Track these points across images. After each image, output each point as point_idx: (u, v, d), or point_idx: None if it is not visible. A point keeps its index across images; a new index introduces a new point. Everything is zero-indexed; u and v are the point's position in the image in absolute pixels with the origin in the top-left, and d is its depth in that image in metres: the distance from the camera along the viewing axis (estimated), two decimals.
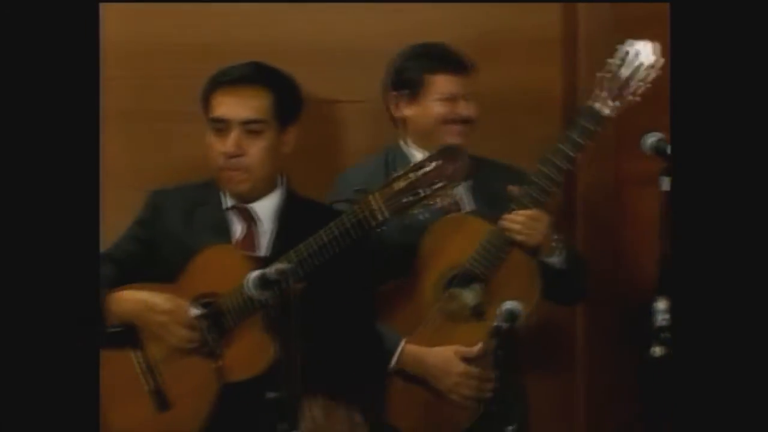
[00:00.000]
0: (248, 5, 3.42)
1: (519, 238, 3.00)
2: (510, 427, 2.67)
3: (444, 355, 3.02)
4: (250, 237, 2.97)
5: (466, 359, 3.01)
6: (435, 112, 3.13)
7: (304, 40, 3.43)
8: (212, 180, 3.03)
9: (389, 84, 3.20)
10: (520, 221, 3.00)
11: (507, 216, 3.01)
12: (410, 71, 3.16)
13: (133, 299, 2.86)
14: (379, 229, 2.80)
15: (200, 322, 2.84)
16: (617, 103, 3.00)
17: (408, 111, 3.17)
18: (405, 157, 3.13)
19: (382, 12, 3.45)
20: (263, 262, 2.75)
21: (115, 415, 2.91)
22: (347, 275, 2.87)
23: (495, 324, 2.65)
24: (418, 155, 3.06)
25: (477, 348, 2.99)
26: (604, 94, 2.98)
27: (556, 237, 3.05)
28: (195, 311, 2.84)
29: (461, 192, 3.13)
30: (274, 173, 2.99)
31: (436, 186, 2.72)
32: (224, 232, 2.97)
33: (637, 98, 3.01)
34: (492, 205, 3.09)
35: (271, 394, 2.49)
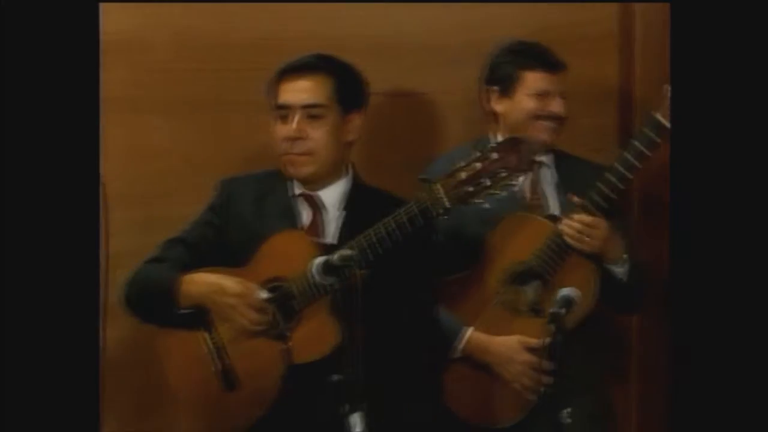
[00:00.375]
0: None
1: (574, 243, 3.07)
2: (566, 411, 2.75)
3: (509, 344, 3.10)
4: (317, 224, 3.05)
5: (530, 349, 3.08)
6: (526, 107, 3.21)
7: (377, 34, 3.55)
8: (280, 169, 3.10)
9: (483, 78, 3.28)
10: (576, 227, 3.07)
11: (566, 221, 3.08)
12: (504, 67, 3.24)
13: (204, 282, 2.94)
14: (442, 218, 2.85)
15: (269, 306, 2.90)
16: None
17: (499, 106, 3.25)
18: None
19: (449, 7, 3.55)
20: (330, 249, 2.84)
21: (184, 395, 3.00)
22: (411, 263, 2.94)
23: (551, 310, 2.73)
24: None
25: (540, 340, 3.02)
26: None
27: (624, 245, 3.10)
28: (264, 295, 2.90)
29: (526, 183, 3.21)
30: (338, 160, 3.06)
31: (500, 176, 2.78)
32: (291, 219, 3.05)
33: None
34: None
35: (334, 377, 2.58)
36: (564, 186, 3.23)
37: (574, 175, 3.24)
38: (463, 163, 2.81)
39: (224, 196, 3.11)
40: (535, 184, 3.26)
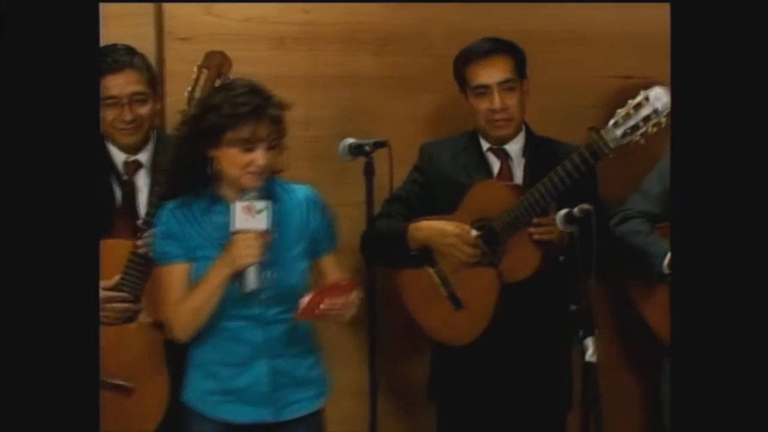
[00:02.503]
0: None
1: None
2: (573, 307, 3.15)
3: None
4: (506, 171, 3.73)
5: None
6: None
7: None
8: (469, 131, 3.79)
9: None
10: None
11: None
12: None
13: (428, 227, 3.66)
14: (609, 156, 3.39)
15: (480, 241, 3.60)
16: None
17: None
18: None
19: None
20: (520, 189, 3.53)
21: (422, 318, 3.76)
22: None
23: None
24: None
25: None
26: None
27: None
28: (475, 233, 3.60)
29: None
30: (522, 119, 3.72)
31: (651, 121, 3.29)
32: (486, 169, 3.74)
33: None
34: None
35: (572, 307, 3.14)
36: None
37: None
38: (623, 111, 3.32)
39: (426, 157, 3.82)
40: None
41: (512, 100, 3.68)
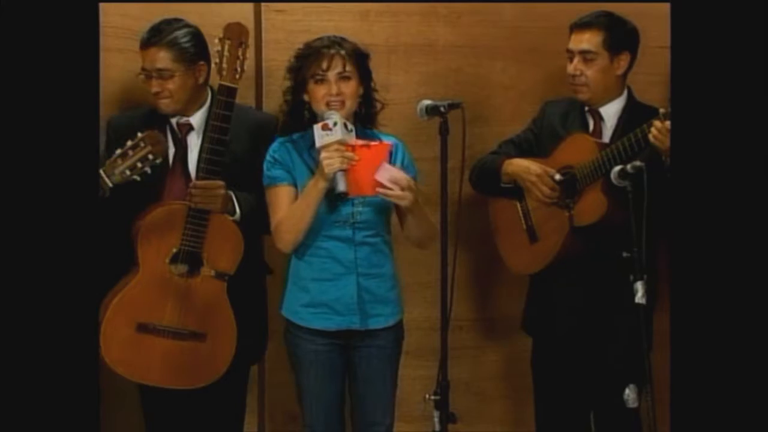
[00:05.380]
0: None
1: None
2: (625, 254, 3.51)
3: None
4: (598, 129, 4.14)
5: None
6: None
7: None
8: None
9: None
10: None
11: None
12: None
13: (518, 164, 4.16)
14: None
15: (560, 184, 4.04)
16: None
17: None
18: None
19: None
20: (604, 146, 3.94)
21: (502, 244, 4.27)
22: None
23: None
24: None
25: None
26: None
27: None
28: (557, 176, 4.06)
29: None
30: (611, 87, 4.10)
31: None
32: (583, 126, 4.16)
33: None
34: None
35: (624, 254, 3.57)
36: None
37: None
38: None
39: (543, 112, 4.28)
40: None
41: (589, 70, 4.07)
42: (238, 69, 3.75)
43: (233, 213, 3.83)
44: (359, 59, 3.82)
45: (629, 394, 3.57)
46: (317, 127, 3.69)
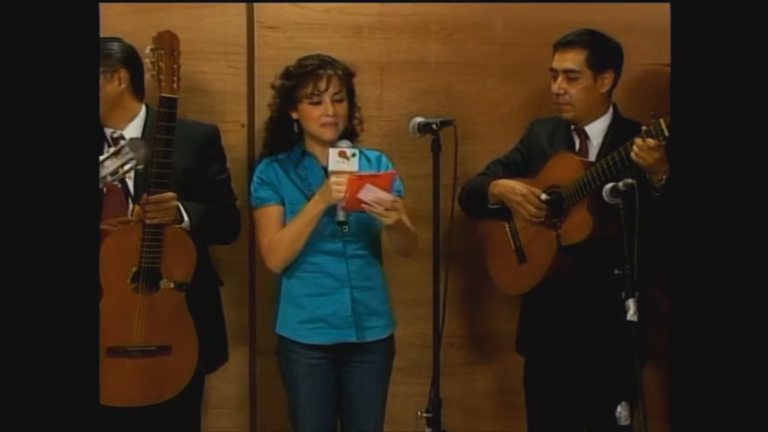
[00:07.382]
0: None
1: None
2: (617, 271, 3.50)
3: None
4: (584, 148, 4.14)
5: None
6: None
7: None
8: None
9: None
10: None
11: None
12: None
13: (503, 185, 4.15)
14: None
15: (547, 204, 4.04)
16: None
17: None
18: None
19: None
20: (589, 165, 3.93)
21: (492, 265, 4.27)
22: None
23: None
24: None
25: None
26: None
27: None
28: (543, 196, 4.05)
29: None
30: (595, 105, 4.08)
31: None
32: (569, 145, 4.16)
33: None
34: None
35: (616, 271, 3.55)
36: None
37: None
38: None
39: (530, 131, 4.28)
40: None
41: (573, 88, 4.08)
42: (176, 78, 3.68)
43: (181, 221, 3.78)
44: (349, 79, 3.89)
45: (621, 411, 3.57)
46: (334, 151, 3.76)
